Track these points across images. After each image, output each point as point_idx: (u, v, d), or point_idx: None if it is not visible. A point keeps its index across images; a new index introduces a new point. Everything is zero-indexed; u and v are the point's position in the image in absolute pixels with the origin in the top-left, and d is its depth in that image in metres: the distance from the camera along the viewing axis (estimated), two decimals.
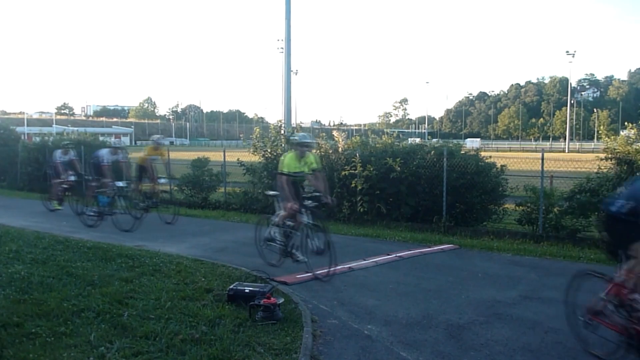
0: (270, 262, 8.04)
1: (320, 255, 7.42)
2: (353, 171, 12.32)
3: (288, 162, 7.84)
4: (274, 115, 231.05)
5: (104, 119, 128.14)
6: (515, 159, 13.93)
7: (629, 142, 10.43)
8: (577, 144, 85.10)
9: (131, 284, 6.55)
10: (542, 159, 11.11)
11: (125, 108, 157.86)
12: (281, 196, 7.96)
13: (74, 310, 5.46)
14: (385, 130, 23.00)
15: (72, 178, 13.85)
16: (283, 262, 7.96)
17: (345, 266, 8.08)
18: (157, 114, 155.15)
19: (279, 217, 8.00)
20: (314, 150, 13.96)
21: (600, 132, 12.34)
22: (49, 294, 5.96)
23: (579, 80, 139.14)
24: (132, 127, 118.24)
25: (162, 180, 13.14)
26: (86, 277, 6.73)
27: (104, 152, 12.30)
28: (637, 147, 10.16)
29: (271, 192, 8.61)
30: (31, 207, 14.81)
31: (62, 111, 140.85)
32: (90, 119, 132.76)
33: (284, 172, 7.81)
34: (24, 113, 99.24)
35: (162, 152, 13.10)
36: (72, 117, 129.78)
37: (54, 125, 78.61)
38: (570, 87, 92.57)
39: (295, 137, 8.26)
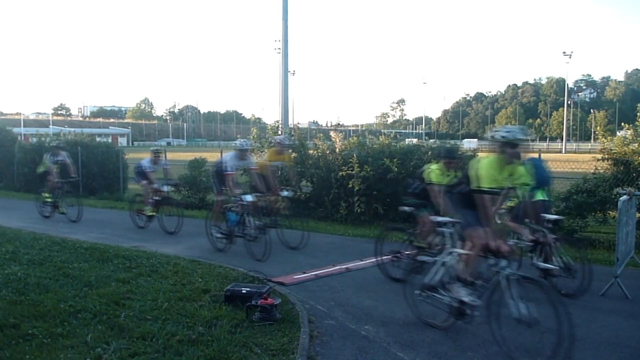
0: (428, 321, 5.57)
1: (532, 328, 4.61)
2: (350, 172, 12.32)
3: (487, 171, 5.10)
4: (271, 116, 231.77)
5: (101, 119, 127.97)
6: None
7: (625, 142, 10.44)
8: (574, 144, 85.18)
9: (128, 284, 6.55)
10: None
11: (122, 109, 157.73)
12: (473, 225, 5.15)
13: (71, 311, 5.46)
14: (382, 130, 23.06)
15: (166, 188, 11.66)
16: (452, 324, 5.43)
17: (343, 267, 8.08)
18: (154, 115, 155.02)
19: (467, 258, 5.21)
20: (312, 151, 14.05)
21: (597, 132, 12.38)
22: (45, 295, 5.96)
23: (576, 81, 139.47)
24: (129, 127, 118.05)
25: (286, 193, 10.19)
26: (83, 278, 6.72)
27: (228, 157, 9.46)
28: (634, 148, 10.17)
29: (442, 219, 5.73)
30: (28, 208, 14.75)
31: (59, 112, 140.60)
32: (87, 119, 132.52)
33: (483, 188, 5.06)
34: (20, 114, 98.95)
35: (287, 157, 10.60)
36: (69, 118, 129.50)
37: (50, 126, 78.49)
38: (567, 87, 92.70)
39: (500, 132, 5.13)
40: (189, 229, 11.30)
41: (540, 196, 7.05)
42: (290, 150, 10.27)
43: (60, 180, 12.84)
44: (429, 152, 12.13)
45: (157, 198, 11.49)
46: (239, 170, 10.02)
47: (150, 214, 11.53)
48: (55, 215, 12.85)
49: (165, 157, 12.27)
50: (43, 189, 13.34)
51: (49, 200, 13.05)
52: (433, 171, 7.22)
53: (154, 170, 11.81)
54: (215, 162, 10.15)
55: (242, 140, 9.71)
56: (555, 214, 7.36)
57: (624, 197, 7.19)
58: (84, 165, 18.53)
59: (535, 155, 8.61)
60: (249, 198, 8.97)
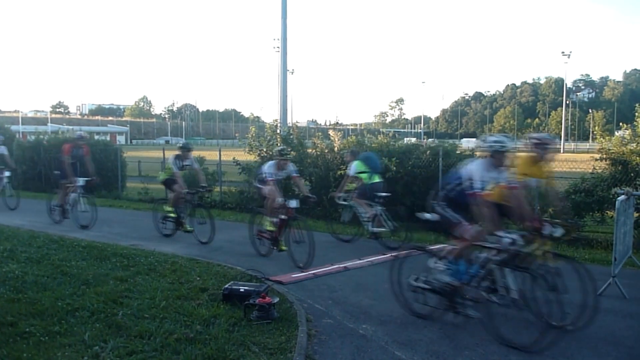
0: None
1: None
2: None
3: None
4: (270, 115, 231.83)
5: (99, 117, 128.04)
6: None
7: (623, 142, 10.46)
8: (572, 144, 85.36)
9: (126, 283, 6.55)
10: None
11: (121, 107, 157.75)
12: None
13: (69, 310, 5.46)
14: (381, 129, 23.10)
15: (294, 205, 8.27)
16: None
17: (341, 265, 8.08)
18: (152, 113, 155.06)
19: None
20: (310, 150, 14.04)
21: (595, 132, 12.39)
22: (43, 293, 5.95)
23: (575, 81, 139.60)
24: (128, 126, 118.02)
25: (559, 232, 5.55)
26: (81, 276, 6.72)
27: (476, 166, 5.60)
28: (632, 148, 10.19)
29: None
30: (26, 205, 14.73)
31: (57, 110, 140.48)
32: (86, 117, 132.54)
33: None
34: (18, 111, 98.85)
35: (545, 169, 6.27)
36: (67, 116, 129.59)
37: (49, 124, 78.30)
38: (566, 87, 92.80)
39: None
40: None
41: (376, 179, 9.88)
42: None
43: (189, 190, 10.02)
44: (428, 152, 12.14)
45: (283, 217, 8.39)
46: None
47: (283, 248, 8.61)
48: (179, 233, 10.20)
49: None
50: (163, 201, 10.87)
51: (172, 215, 10.21)
52: None
53: (280, 178, 8.92)
54: (459, 172, 5.85)
55: (497, 135, 5.66)
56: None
57: (622, 197, 7.21)
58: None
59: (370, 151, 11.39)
60: (511, 237, 5.17)
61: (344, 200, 9.91)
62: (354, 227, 10.28)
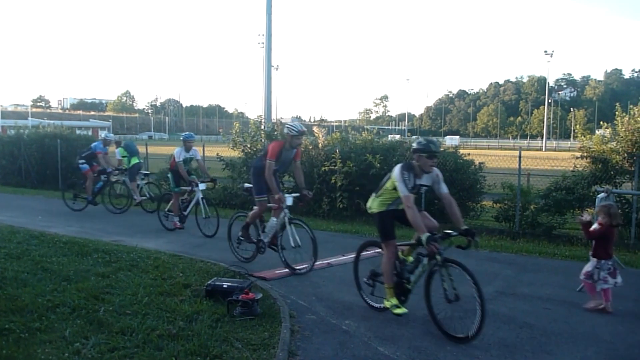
0: None
1: None
2: (333, 167, 12.33)
3: None
4: (254, 111, 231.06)
5: (81, 112, 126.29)
6: (494, 156, 14.09)
7: (604, 141, 10.63)
8: (554, 142, 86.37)
9: (108, 279, 6.49)
10: (520, 157, 11.28)
11: (103, 101, 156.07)
12: None
13: (49, 306, 5.39)
14: (365, 126, 23.15)
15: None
16: None
17: (324, 262, 8.09)
18: (135, 108, 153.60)
19: None
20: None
21: (576, 131, 12.56)
22: (23, 290, 5.87)
23: (557, 80, 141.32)
24: (110, 120, 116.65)
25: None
26: (61, 273, 6.64)
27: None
28: (612, 147, 10.35)
29: None
30: (5, 200, 14.52)
31: (38, 104, 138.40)
32: (67, 112, 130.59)
33: None
34: None
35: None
36: (48, 110, 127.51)
37: (29, 118, 77.09)
38: (548, 86, 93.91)
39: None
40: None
41: (135, 160, 13.46)
42: None
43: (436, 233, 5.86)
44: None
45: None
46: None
47: None
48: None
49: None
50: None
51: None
52: None
53: None
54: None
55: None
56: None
57: (602, 195, 7.32)
58: (63, 159, 18.29)
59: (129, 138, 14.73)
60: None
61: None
62: (126, 199, 13.43)
